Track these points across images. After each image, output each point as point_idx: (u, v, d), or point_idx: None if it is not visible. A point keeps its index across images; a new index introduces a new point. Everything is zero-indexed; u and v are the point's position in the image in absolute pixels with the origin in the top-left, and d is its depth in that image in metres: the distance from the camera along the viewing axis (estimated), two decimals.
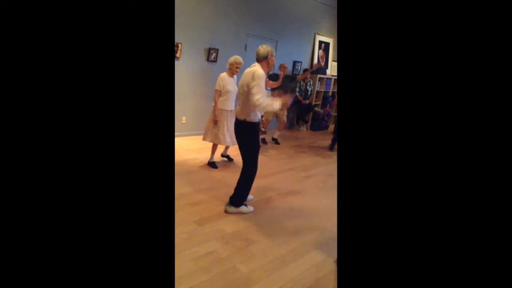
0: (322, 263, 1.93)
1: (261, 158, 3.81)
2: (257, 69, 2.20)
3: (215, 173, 3.32)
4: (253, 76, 2.15)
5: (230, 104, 3.38)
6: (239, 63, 3.29)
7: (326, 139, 5.49)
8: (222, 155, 3.82)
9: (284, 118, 4.78)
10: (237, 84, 2.95)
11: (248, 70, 2.27)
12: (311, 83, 5.71)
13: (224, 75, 3.36)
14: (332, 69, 6.72)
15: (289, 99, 2.30)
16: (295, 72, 6.11)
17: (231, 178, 3.16)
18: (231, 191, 2.49)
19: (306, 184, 3.29)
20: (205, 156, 3.80)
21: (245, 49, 5.17)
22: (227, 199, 2.51)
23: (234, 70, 3.32)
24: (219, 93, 3.32)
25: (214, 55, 4.72)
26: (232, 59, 3.30)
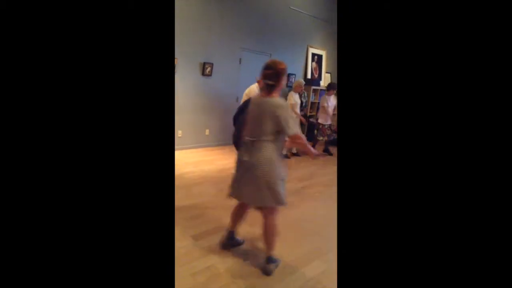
0: (322, 275, 1.92)
1: None
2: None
3: (212, 187, 3.31)
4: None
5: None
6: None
7: (322, 149, 5.52)
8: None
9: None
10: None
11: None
12: (305, 94, 5.78)
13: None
14: (325, 81, 6.82)
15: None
16: (289, 85, 6.19)
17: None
18: (228, 206, 2.47)
19: (303, 195, 3.29)
20: (202, 169, 3.79)
21: (240, 63, 5.25)
22: (224, 213, 2.49)
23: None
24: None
25: (209, 69, 4.78)
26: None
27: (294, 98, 4.55)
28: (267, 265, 1.88)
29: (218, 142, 5.25)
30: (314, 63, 6.65)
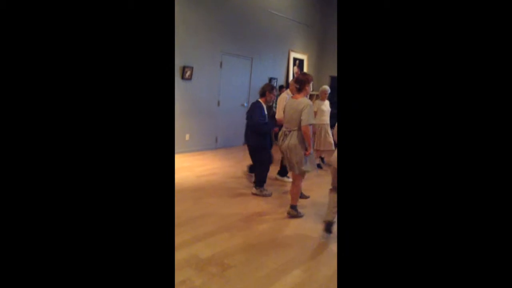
0: (301, 284, 1.86)
1: (243, 181, 3.74)
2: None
3: (189, 195, 3.20)
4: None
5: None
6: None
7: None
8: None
9: None
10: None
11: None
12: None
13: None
14: None
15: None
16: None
17: (204, 200, 3.06)
18: (205, 215, 2.39)
19: (284, 204, 3.23)
20: (180, 176, 3.68)
21: (221, 67, 5.18)
22: (202, 222, 2.40)
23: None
24: None
25: (188, 73, 4.68)
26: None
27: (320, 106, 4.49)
28: (290, 209, 2.77)
29: (199, 147, 5.13)
30: (295, 68, 6.67)
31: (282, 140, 2.67)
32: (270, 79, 6.18)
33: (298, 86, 2.58)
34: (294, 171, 2.66)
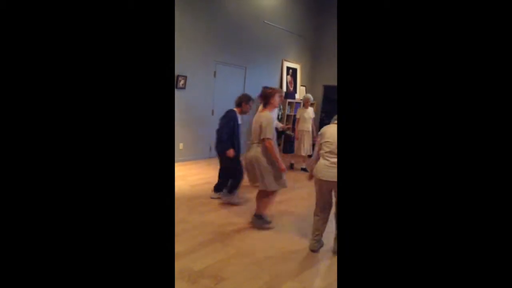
0: None
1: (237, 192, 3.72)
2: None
3: (184, 204, 3.17)
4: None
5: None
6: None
7: (299, 162, 5.50)
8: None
9: None
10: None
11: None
12: (281, 107, 5.81)
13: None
14: (300, 94, 6.91)
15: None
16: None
17: (198, 209, 3.03)
18: (199, 225, 2.36)
19: (278, 210, 3.22)
20: (175, 185, 3.64)
21: (214, 76, 5.20)
22: (197, 233, 2.36)
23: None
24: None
25: (182, 82, 4.69)
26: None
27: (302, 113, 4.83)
28: (254, 218, 2.75)
29: (193, 157, 5.11)
30: (289, 77, 6.73)
31: (248, 152, 2.67)
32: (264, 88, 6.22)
33: (263, 101, 2.63)
34: (259, 186, 2.60)
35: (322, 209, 2.34)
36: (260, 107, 3.18)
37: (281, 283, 1.94)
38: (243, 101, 3.19)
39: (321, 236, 2.40)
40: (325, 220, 2.37)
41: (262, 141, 2.49)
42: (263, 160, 2.50)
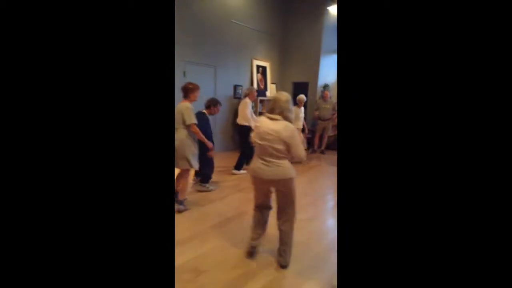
0: (274, 281, 1.93)
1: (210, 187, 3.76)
2: None
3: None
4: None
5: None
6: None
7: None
8: None
9: None
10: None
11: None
12: (253, 105, 5.89)
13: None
14: (270, 91, 7.04)
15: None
16: (236, 96, 6.27)
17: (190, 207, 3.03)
18: (186, 225, 2.37)
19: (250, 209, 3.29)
20: None
21: (184, 75, 5.18)
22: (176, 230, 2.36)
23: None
24: None
25: None
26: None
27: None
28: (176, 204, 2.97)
29: None
30: (259, 75, 6.83)
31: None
32: (235, 87, 6.28)
33: (183, 94, 2.96)
34: (180, 165, 2.90)
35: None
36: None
37: (259, 271, 2.02)
38: (212, 104, 3.56)
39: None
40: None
41: (187, 127, 2.86)
42: (189, 142, 2.89)
